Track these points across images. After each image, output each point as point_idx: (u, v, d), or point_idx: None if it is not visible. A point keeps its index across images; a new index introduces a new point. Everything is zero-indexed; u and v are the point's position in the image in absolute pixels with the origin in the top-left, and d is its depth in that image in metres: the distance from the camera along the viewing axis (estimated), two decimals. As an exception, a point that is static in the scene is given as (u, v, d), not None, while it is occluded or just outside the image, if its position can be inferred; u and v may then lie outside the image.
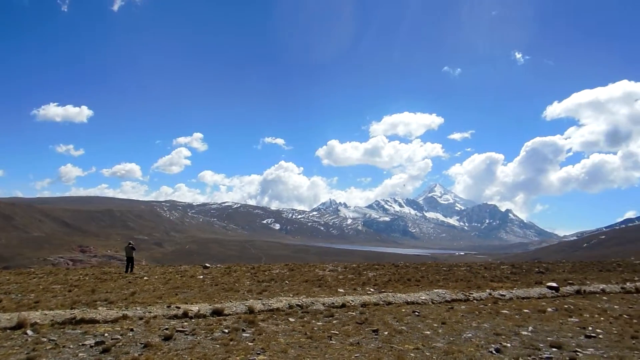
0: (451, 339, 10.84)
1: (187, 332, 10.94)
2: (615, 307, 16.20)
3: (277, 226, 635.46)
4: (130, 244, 27.58)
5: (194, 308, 13.50)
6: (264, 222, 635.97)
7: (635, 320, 13.61)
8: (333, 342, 10.37)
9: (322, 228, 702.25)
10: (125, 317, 12.36)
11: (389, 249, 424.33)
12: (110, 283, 20.47)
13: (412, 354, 9.45)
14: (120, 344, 9.92)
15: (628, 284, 22.24)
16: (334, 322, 12.55)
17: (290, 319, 12.72)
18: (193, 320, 12.44)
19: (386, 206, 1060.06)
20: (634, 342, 11.00)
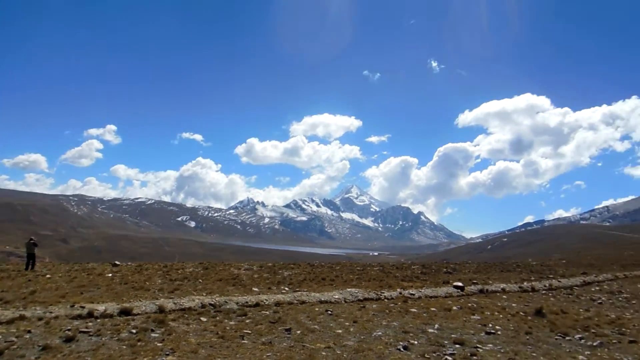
0: (362, 337, 11.10)
1: (91, 333, 10.42)
2: (513, 305, 17.31)
3: (193, 224, 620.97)
4: (31, 239, 25.86)
5: (100, 307, 12.87)
6: (179, 219, 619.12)
7: (529, 317, 14.62)
8: (245, 341, 10.29)
9: (239, 227, 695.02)
10: (22, 317, 11.56)
11: (306, 248, 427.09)
12: (7, 281, 19.10)
13: (323, 353, 9.58)
14: (15, 347, 9.29)
15: (525, 283, 23.85)
16: (247, 321, 12.46)
17: (202, 319, 12.48)
18: (99, 320, 11.86)
19: (304, 206, 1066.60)
20: (527, 337, 11.81)
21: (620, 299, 20.58)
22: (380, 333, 11.54)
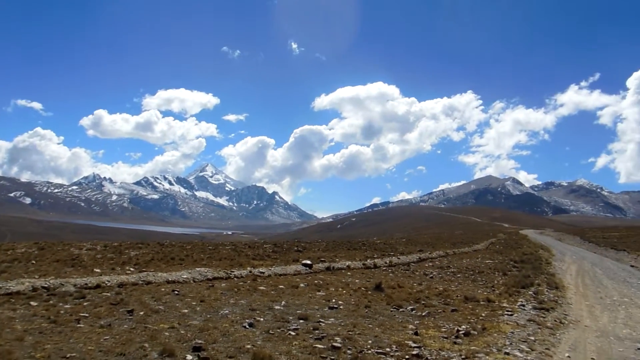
0: (208, 316, 11.00)
1: None
2: (356, 281, 18.39)
3: (28, 200, 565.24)
4: None
5: None
6: (12, 195, 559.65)
7: (370, 292, 15.64)
8: (81, 325, 9.63)
9: (82, 204, 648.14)
10: None
11: (157, 227, 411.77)
12: None
13: (166, 333, 9.32)
14: None
15: (368, 260, 25.44)
16: (85, 304, 11.66)
17: (32, 303, 11.41)
18: None
19: (155, 183, 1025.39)
20: (366, 310, 12.65)
21: (448, 273, 22.85)
22: (227, 311, 11.54)
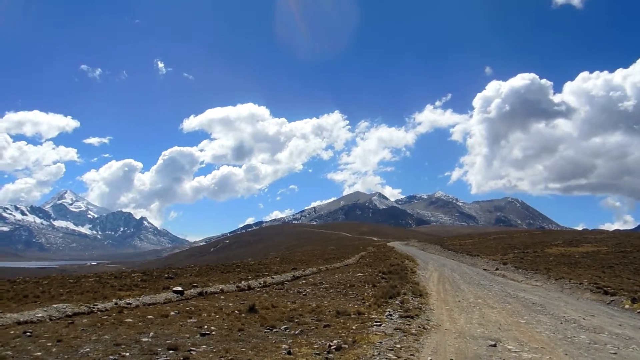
0: (66, 357, 10.06)
1: None
2: (230, 304, 18.04)
3: None
4: None
5: None
6: None
7: (243, 315, 15.43)
8: None
9: None
10: None
11: (9, 263, 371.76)
12: None
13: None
14: None
15: (242, 282, 25.13)
16: None
17: None
18: None
19: (5, 214, 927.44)
20: (239, 334, 12.44)
21: (321, 289, 23.35)
22: (87, 349, 10.64)
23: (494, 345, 11.57)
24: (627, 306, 18.74)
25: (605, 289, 21.99)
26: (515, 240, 65.99)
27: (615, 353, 11.23)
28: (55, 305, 16.66)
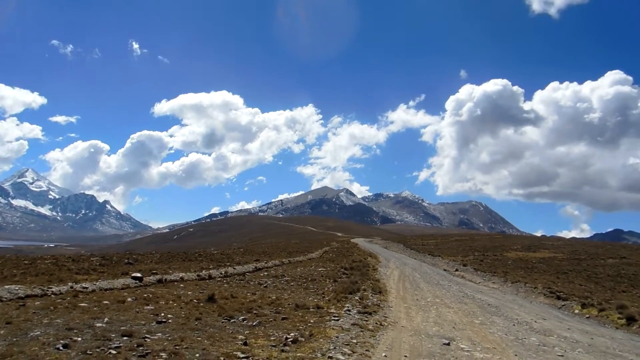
0: (14, 339, 9.77)
1: None
2: (189, 293, 17.86)
3: None
4: None
5: None
6: None
7: (202, 304, 15.30)
8: None
9: None
10: None
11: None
12: None
13: (-41, 362, 8.14)
14: None
15: (204, 271, 24.93)
16: None
17: None
18: None
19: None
20: (196, 323, 12.33)
21: (282, 282, 23.35)
22: (38, 332, 10.37)
23: (448, 344, 11.80)
24: (577, 311, 19.46)
25: (558, 293, 22.72)
26: (476, 243, 67.48)
27: (562, 355, 11.60)
28: (7, 287, 16.17)
